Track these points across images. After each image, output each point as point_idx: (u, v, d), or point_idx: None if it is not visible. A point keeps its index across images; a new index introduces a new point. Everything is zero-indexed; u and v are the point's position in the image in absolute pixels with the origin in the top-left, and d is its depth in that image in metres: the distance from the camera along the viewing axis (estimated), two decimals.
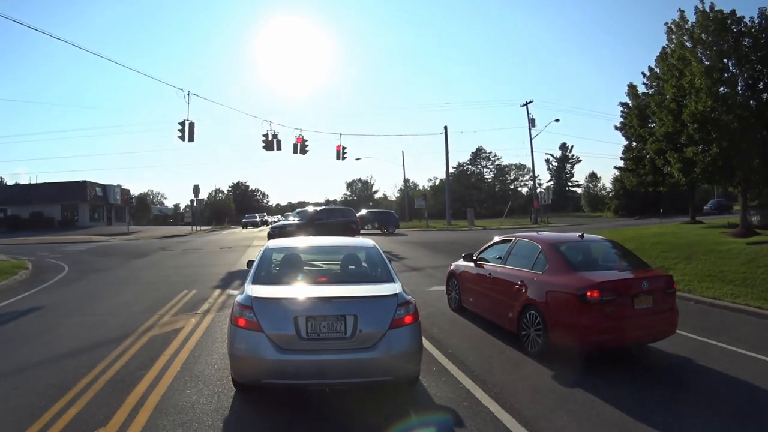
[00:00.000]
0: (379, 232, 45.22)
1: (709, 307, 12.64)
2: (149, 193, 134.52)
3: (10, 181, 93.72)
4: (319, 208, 37.04)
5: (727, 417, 6.34)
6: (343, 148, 44.06)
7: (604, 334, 8.00)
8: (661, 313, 8.47)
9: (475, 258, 11.37)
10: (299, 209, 39.90)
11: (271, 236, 28.64)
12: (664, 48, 28.51)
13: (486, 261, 11.01)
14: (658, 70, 30.23)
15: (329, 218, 33.83)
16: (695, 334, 9.83)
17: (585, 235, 10.15)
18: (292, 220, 35.00)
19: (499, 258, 10.55)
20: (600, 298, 7.92)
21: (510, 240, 10.68)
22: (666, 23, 26.99)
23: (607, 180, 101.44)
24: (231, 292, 14.98)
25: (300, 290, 6.83)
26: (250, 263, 8.46)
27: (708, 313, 12.13)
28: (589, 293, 7.94)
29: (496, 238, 11.54)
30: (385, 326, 6.29)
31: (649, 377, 7.82)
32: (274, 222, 37.34)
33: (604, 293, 7.95)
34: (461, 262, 11.97)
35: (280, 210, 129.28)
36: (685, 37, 25.60)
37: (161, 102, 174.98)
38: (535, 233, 10.76)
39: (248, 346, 6.21)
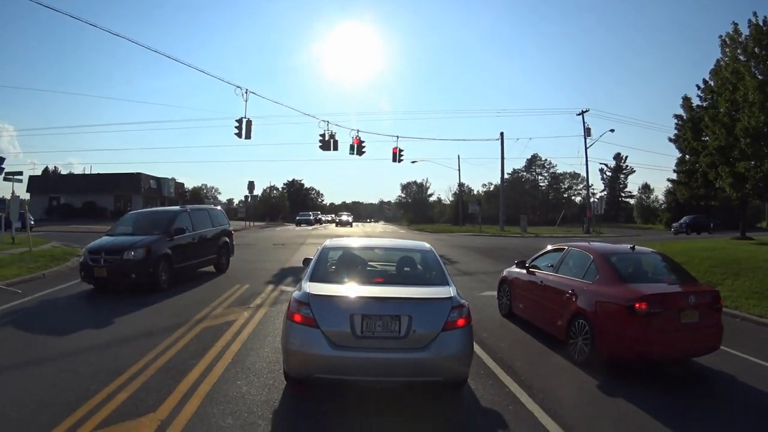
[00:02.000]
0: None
1: (754, 324, 12.50)
2: (203, 187, 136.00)
3: (63, 171, 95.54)
4: (178, 210, 18.27)
5: None
6: (400, 150, 44.29)
7: (650, 346, 8.03)
8: (707, 329, 8.45)
9: (527, 265, 11.47)
10: (137, 211, 21.32)
11: (84, 267, 14.70)
12: (718, 61, 28.05)
13: (538, 269, 11.09)
14: (712, 83, 29.59)
15: (196, 228, 17.70)
16: (739, 351, 9.66)
17: (636, 247, 10.17)
18: (127, 231, 16.73)
19: (552, 266, 10.63)
20: (647, 310, 7.97)
21: (563, 249, 10.74)
22: (720, 36, 26.62)
23: (659, 192, 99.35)
24: (284, 288, 15.19)
25: (356, 289, 6.92)
26: (306, 261, 8.61)
27: (753, 331, 11.96)
28: (637, 305, 8.00)
29: (549, 247, 11.61)
30: (439, 328, 6.37)
31: (692, 392, 7.83)
32: (120, 239, 15.82)
33: (652, 305, 8.01)
34: (514, 269, 12.10)
35: (335, 209, 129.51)
36: (738, 51, 25.24)
37: (217, 99, 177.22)
38: (587, 243, 10.78)
39: (303, 341, 6.34)
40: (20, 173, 25.71)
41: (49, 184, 76.64)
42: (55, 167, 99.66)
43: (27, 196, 61.31)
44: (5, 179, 24.16)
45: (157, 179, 77.52)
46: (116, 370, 7.56)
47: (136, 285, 14.32)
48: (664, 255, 10.39)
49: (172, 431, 5.68)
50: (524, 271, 11.43)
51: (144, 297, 13.38)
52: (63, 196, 71.75)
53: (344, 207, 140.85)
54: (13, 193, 25.73)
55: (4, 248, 22.06)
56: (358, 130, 39.12)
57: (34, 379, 7.28)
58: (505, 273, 12.67)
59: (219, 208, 22.00)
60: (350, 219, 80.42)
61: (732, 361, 9.17)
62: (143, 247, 14.79)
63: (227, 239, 19.79)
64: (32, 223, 26.77)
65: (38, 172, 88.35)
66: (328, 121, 37.74)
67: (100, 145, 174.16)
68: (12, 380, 7.22)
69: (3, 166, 23.52)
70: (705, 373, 8.66)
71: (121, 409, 6.20)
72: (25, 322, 10.66)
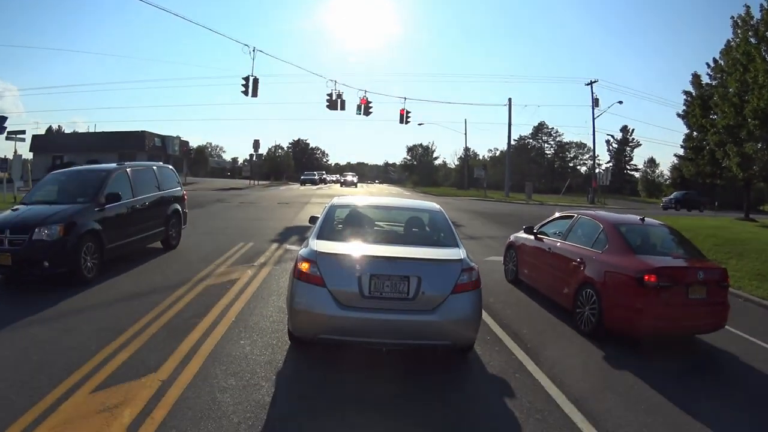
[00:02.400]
0: None
1: (757, 306, 12.33)
2: (208, 145, 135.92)
3: (67, 130, 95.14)
4: (112, 168, 12.78)
5: None
6: (407, 112, 44.12)
7: (657, 319, 7.98)
8: (713, 306, 8.36)
9: (535, 231, 11.34)
10: (62, 170, 14.94)
11: None
12: (729, 41, 27.92)
13: (546, 235, 11.00)
14: (722, 63, 29.42)
15: (137, 192, 12.96)
16: (743, 332, 9.49)
17: (646, 218, 10.08)
18: (48, 197, 11.98)
19: (560, 233, 10.56)
20: (657, 282, 7.89)
21: (572, 216, 10.69)
22: (732, 17, 26.52)
23: (665, 167, 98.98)
24: (289, 246, 15.16)
25: (365, 248, 6.77)
26: (313, 219, 8.50)
27: (756, 313, 11.81)
28: (646, 277, 7.92)
29: (558, 214, 11.50)
30: (448, 290, 6.26)
31: (697, 370, 7.77)
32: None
33: (661, 278, 7.92)
34: (521, 234, 11.98)
35: (339, 169, 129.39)
36: (750, 33, 25.22)
37: (224, 57, 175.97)
38: (596, 212, 10.71)
39: (309, 300, 6.21)
40: (23, 132, 25.92)
41: (52, 143, 75.81)
42: (59, 126, 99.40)
43: (30, 156, 61.36)
44: (7, 138, 24.21)
45: (162, 137, 76.78)
46: (118, 328, 7.49)
47: (50, 276, 10.07)
48: (673, 229, 10.24)
49: (173, 392, 5.60)
50: (532, 237, 11.32)
51: (147, 251, 13.31)
52: (66, 154, 70.67)
53: (349, 168, 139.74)
54: (15, 152, 25.82)
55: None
56: (365, 91, 38.95)
57: (35, 339, 7.16)
58: (512, 238, 12.54)
59: (170, 166, 16.50)
60: (355, 180, 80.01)
61: (736, 340, 9.08)
62: (60, 223, 10.29)
63: (178, 206, 15.21)
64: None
65: (42, 132, 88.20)
66: (335, 81, 37.56)
67: (104, 104, 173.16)
68: (12, 340, 7.09)
69: (5, 125, 23.51)
70: (710, 351, 8.60)
71: (122, 369, 6.12)
72: (24, 281, 10.54)
